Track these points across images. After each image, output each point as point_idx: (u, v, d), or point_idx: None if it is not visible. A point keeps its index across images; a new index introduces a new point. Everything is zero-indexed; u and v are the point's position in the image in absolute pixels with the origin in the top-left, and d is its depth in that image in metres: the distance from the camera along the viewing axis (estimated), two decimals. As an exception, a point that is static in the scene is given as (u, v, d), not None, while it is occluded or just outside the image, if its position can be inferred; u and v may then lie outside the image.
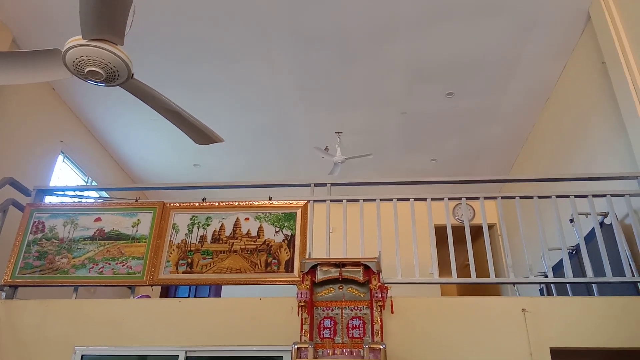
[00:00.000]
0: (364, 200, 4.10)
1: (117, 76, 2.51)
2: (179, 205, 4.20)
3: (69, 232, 4.14)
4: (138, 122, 6.72)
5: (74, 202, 4.47)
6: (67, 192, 4.69)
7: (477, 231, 5.99)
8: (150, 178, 8.34)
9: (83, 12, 2.03)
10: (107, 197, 6.29)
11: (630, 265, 3.76)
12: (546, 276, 3.99)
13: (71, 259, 4.02)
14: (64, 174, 6.51)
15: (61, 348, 3.57)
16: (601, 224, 4.15)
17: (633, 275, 3.73)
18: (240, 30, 5.23)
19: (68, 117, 6.52)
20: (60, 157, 6.42)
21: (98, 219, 4.19)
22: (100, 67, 2.40)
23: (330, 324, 3.45)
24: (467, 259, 3.83)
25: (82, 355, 3.57)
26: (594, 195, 3.91)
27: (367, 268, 3.51)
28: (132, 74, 2.59)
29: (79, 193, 4.91)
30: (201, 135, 3.23)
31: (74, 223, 4.18)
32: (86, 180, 6.92)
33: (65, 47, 2.40)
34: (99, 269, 3.97)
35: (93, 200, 4.97)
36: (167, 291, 8.30)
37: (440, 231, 4.13)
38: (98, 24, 2.12)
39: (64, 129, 6.46)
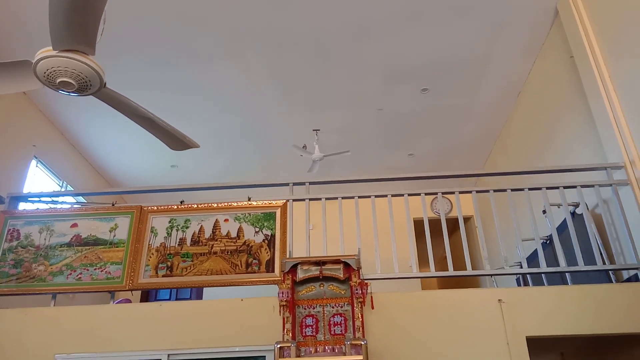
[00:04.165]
0: (343, 197, 4.14)
1: (89, 86, 2.49)
2: (157, 208, 4.17)
3: (45, 238, 4.09)
4: (112, 124, 6.63)
5: (49, 208, 4.40)
6: (42, 198, 4.61)
7: (454, 223, 6.08)
8: (127, 181, 8.24)
9: (53, 23, 2.00)
10: (84, 202, 6.21)
11: (601, 253, 3.88)
12: (521, 267, 4.09)
13: (48, 266, 3.97)
14: (38, 179, 6.40)
15: (41, 357, 3.53)
16: (573, 214, 4.27)
17: (604, 264, 3.86)
18: (216, 31, 5.20)
19: (40, 121, 6.41)
20: (34, 162, 6.31)
21: (74, 225, 4.14)
22: (72, 78, 2.37)
23: (312, 321, 3.49)
24: (445, 251, 3.90)
25: (63, 363, 3.54)
26: (565, 187, 4.03)
27: (347, 265, 3.55)
28: (105, 83, 2.57)
29: (54, 199, 4.83)
30: (176, 141, 3.22)
31: (50, 230, 4.12)
32: (61, 185, 6.82)
33: (36, 59, 2.36)
34: (77, 275, 3.93)
35: (69, 206, 4.90)
36: (148, 295, 8.23)
37: (418, 224, 4.20)
38: (68, 35, 2.09)
39: (37, 134, 6.34)
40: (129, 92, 2.95)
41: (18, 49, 5.16)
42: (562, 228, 4.20)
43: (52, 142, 6.69)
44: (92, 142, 7.13)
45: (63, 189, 6.77)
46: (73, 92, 2.49)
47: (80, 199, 6.43)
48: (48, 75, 2.37)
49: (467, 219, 7.75)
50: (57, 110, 6.39)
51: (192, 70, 5.77)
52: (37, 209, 4.40)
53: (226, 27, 5.16)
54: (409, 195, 4.09)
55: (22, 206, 4.50)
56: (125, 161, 7.70)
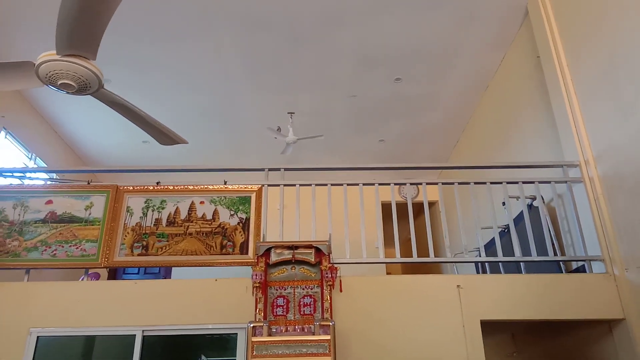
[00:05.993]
0: (316, 185, 4.30)
1: (88, 87, 2.57)
2: (133, 188, 4.24)
3: (19, 214, 4.11)
4: (84, 100, 6.54)
5: (22, 183, 4.41)
6: (14, 174, 4.60)
7: (420, 207, 6.35)
8: (99, 156, 8.16)
9: (60, 29, 2.06)
10: (57, 180, 6.17)
11: (553, 245, 4.18)
12: (479, 254, 4.36)
13: (22, 241, 4.01)
14: (7, 151, 6.31)
15: (16, 330, 3.61)
16: (529, 206, 4.56)
17: (555, 255, 4.17)
18: (186, 8, 5.13)
19: (9, 91, 6.28)
20: (2, 134, 6.21)
21: (49, 202, 4.17)
22: (73, 80, 2.46)
23: (283, 302, 3.68)
24: (410, 234, 4.14)
25: (38, 337, 3.62)
26: (524, 182, 4.30)
27: (318, 250, 3.74)
28: (103, 85, 2.66)
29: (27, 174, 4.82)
30: (166, 137, 3.35)
31: (24, 205, 4.14)
32: (30, 157, 6.73)
33: (39, 61, 2.43)
34: (52, 252, 3.99)
35: (43, 182, 4.90)
36: (116, 271, 8.28)
37: (386, 207, 4.42)
38: (74, 41, 2.16)
39: (5, 104, 6.22)
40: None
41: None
42: (519, 219, 4.49)
43: (22, 114, 6.58)
44: (64, 116, 7.03)
45: (33, 162, 6.69)
46: (72, 92, 2.57)
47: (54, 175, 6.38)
48: (50, 76, 2.44)
49: (432, 204, 8.05)
50: (27, 81, 6.27)
51: (161, 47, 5.69)
52: (10, 184, 4.39)
53: (197, 4, 5.09)
54: (379, 184, 4.29)
55: (-6, 180, 4.48)
56: (96, 137, 7.62)
